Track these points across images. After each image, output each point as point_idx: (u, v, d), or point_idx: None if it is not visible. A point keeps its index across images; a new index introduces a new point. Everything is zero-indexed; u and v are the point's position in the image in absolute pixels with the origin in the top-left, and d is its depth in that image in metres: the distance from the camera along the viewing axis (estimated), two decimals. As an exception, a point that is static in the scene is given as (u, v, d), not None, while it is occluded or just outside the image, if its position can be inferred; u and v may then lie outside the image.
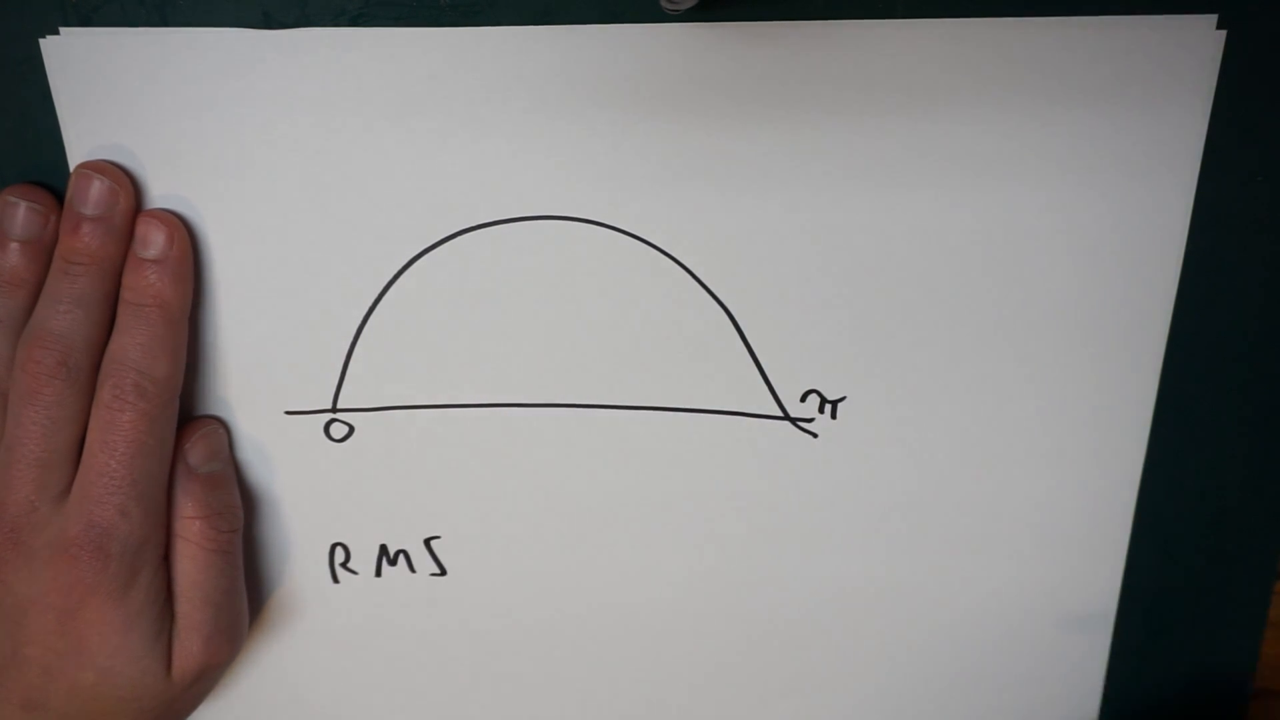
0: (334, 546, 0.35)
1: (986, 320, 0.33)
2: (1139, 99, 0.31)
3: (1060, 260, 0.33)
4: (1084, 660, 0.38)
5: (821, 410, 0.34)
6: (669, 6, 0.28)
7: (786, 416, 0.34)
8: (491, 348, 0.33)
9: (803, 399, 0.34)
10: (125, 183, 0.29)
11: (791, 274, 0.32)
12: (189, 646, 0.31)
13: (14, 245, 0.29)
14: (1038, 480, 0.35)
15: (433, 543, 0.35)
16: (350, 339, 0.32)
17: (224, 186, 0.30)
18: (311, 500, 0.34)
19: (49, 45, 0.29)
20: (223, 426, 0.33)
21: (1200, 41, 0.30)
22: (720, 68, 0.30)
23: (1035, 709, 0.39)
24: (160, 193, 0.30)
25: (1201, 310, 0.34)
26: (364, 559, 0.35)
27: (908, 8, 0.30)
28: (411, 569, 0.35)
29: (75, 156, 0.30)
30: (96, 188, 0.29)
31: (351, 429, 0.33)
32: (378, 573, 0.35)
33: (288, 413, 0.33)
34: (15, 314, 0.29)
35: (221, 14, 0.29)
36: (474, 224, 0.31)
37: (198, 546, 0.31)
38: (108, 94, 0.29)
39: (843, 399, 0.34)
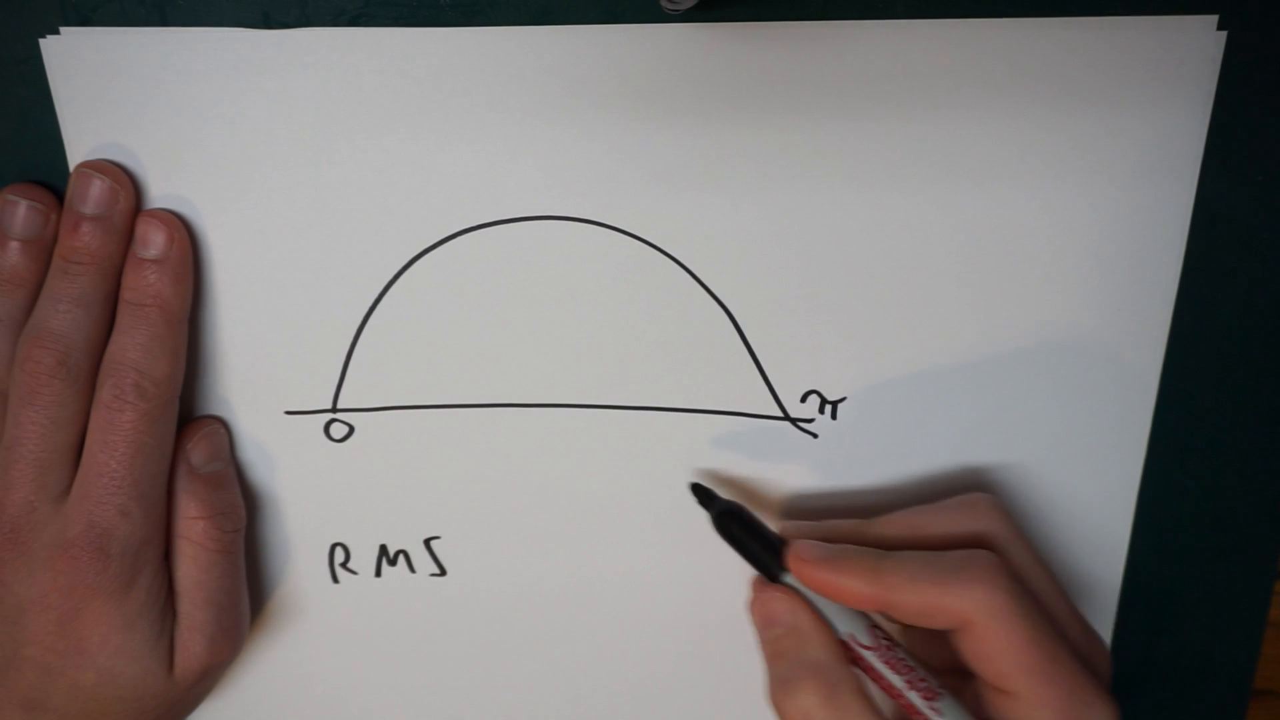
0: (334, 546, 0.35)
1: (987, 320, 0.33)
2: (1139, 99, 0.31)
3: (1061, 260, 0.33)
4: (1084, 660, 0.38)
5: (821, 410, 0.34)
6: (669, 6, 0.28)
7: (786, 416, 0.34)
8: (491, 348, 0.33)
9: (803, 399, 0.34)
10: (125, 182, 0.29)
11: (791, 274, 0.32)
12: (192, 646, 0.31)
13: (14, 244, 0.29)
14: (1038, 480, 0.35)
15: (433, 543, 0.35)
16: (350, 339, 0.32)
17: (224, 186, 0.30)
18: (311, 500, 0.34)
19: (49, 45, 0.29)
20: (224, 426, 0.33)
21: (1200, 42, 0.30)
22: (720, 68, 0.30)
23: (1035, 709, 0.39)
24: (160, 193, 0.30)
25: (1201, 310, 0.34)
26: (364, 559, 0.35)
27: (908, 8, 0.30)
28: (411, 569, 0.35)
29: (75, 156, 0.30)
30: (96, 187, 0.29)
31: (351, 429, 0.33)
32: (378, 573, 0.35)
33: (288, 413, 0.33)
34: (15, 313, 0.29)
35: (221, 14, 0.29)
36: (474, 224, 0.31)
37: (201, 547, 0.31)
38: (108, 94, 0.29)
39: (843, 399, 0.34)
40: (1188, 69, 0.31)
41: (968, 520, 0.30)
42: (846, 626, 0.29)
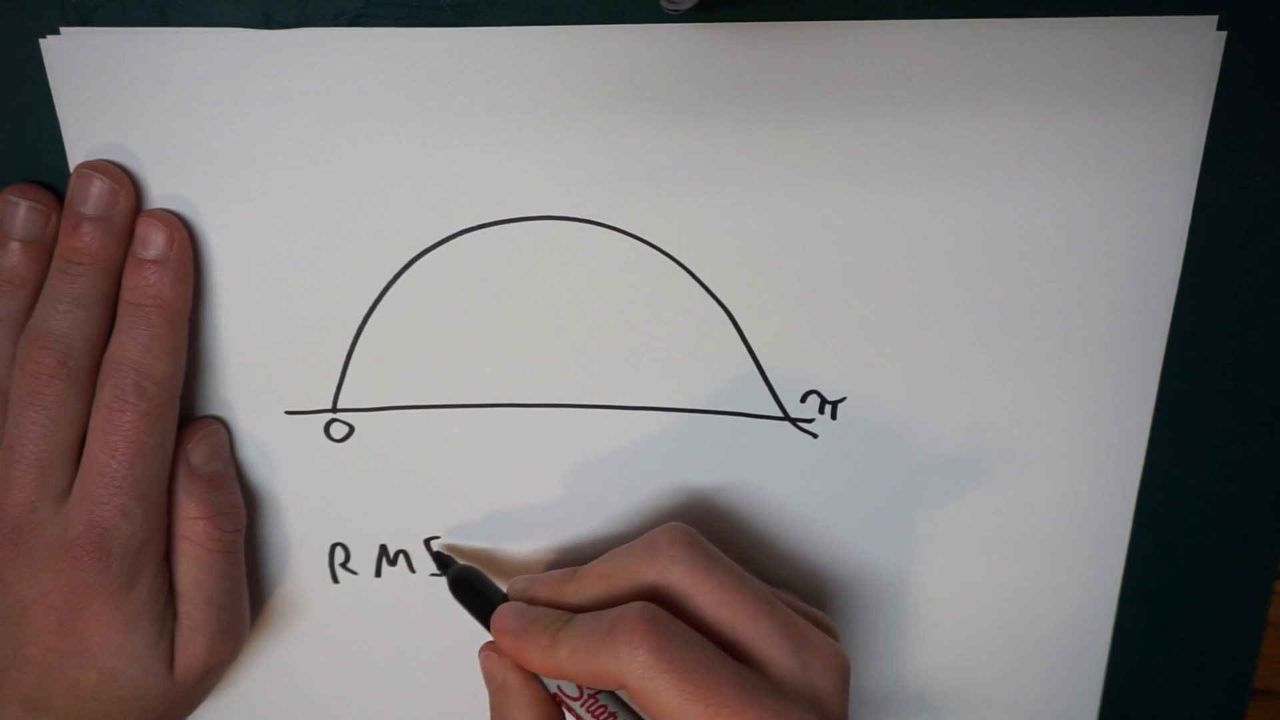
0: (334, 546, 0.35)
1: (987, 320, 0.33)
2: (1139, 99, 0.31)
3: (1061, 260, 0.33)
4: (1084, 660, 0.38)
5: (821, 410, 0.34)
6: (669, 6, 0.28)
7: (786, 416, 0.34)
8: (491, 348, 0.33)
9: (803, 399, 0.34)
10: (125, 183, 0.29)
11: (791, 274, 0.32)
12: (192, 646, 0.31)
13: (15, 244, 0.29)
14: (1038, 480, 0.36)
15: (433, 543, 0.35)
16: (350, 339, 0.32)
17: (224, 186, 0.30)
18: (311, 500, 0.34)
19: (49, 45, 0.29)
20: (224, 427, 0.33)
21: (1200, 42, 0.30)
22: (720, 68, 0.30)
23: (1035, 709, 0.39)
24: (160, 193, 0.30)
25: (1201, 310, 0.34)
26: (364, 559, 0.35)
27: (908, 8, 0.30)
28: (411, 569, 0.35)
29: (75, 156, 0.30)
30: (97, 187, 0.29)
31: (351, 429, 0.33)
32: (378, 573, 0.35)
33: (288, 413, 0.33)
34: (16, 313, 0.29)
35: (221, 14, 0.29)
36: (474, 224, 0.31)
37: (201, 547, 0.31)
38: (108, 94, 0.29)
39: (843, 399, 0.34)
40: (1188, 69, 0.31)
41: (647, 565, 0.29)
42: (558, 682, 0.30)
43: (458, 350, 0.33)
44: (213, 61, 0.29)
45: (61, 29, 0.29)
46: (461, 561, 0.34)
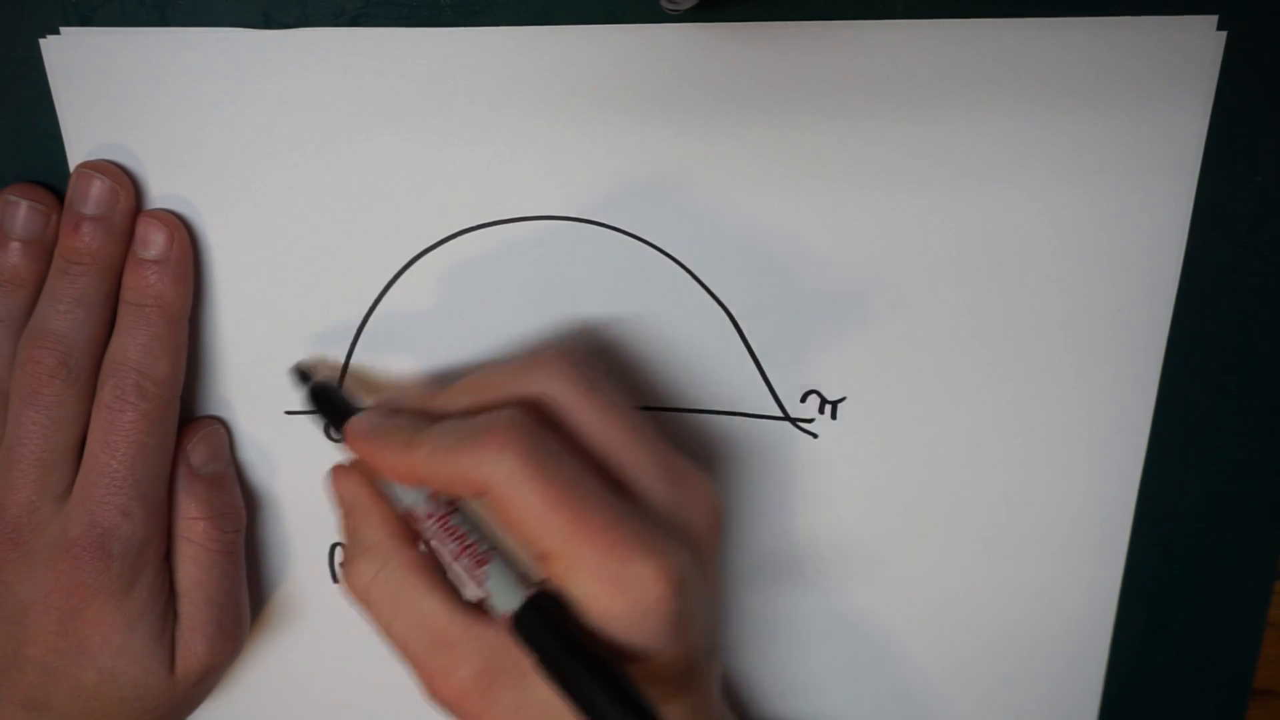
0: (334, 546, 0.35)
1: (987, 320, 0.33)
2: (1139, 99, 0.31)
3: (1061, 260, 0.33)
4: (1084, 660, 0.38)
5: (821, 410, 0.34)
6: (669, 6, 0.28)
7: (786, 416, 0.34)
8: (491, 348, 0.33)
9: (803, 399, 0.34)
10: (125, 183, 0.29)
11: (791, 274, 0.32)
12: (193, 646, 0.31)
13: (15, 244, 0.29)
14: (1038, 480, 0.35)
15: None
16: (350, 339, 0.32)
17: (224, 186, 0.30)
18: (311, 500, 0.34)
19: (49, 45, 0.29)
20: (224, 427, 0.33)
21: (1200, 42, 0.30)
22: (720, 68, 0.30)
23: (1035, 709, 0.39)
24: (160, 193, 0.30)
25: (1201, 310, 0.34)
26: (364, 559, 0.35)
27: (908, 8, 0.30)
28: (412, 569, 0.35)
29: (75, 156, 0.30)
30: (97, 187, 0.29)
31: (352, 429, 0.33)
32: (378, 572, 0.35)
33: (288, 413, 0.33)
34: (16, 313, 0.29)
35: (221, 14, 0.29)
36: (474, 224, 0.31)
37: (201, 547, 0.31)
38: (108, 94, 0.29)
39: (843, 399, 0.34)
40: (1188, 69, 0.31)
41: (526, 377, 0.27)
42: (410, 499, 0.28)
43: (457, 350, 0.33)
44: (213, 61, 0.29)
45: (61, 29, 0.29)
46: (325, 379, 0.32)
